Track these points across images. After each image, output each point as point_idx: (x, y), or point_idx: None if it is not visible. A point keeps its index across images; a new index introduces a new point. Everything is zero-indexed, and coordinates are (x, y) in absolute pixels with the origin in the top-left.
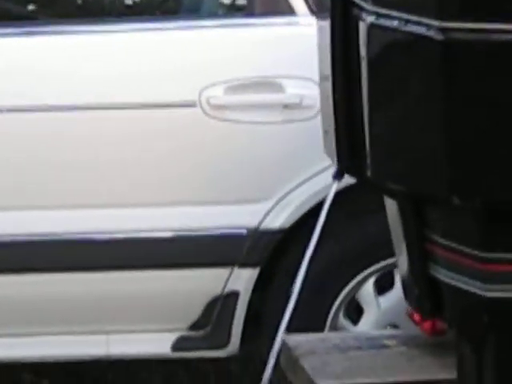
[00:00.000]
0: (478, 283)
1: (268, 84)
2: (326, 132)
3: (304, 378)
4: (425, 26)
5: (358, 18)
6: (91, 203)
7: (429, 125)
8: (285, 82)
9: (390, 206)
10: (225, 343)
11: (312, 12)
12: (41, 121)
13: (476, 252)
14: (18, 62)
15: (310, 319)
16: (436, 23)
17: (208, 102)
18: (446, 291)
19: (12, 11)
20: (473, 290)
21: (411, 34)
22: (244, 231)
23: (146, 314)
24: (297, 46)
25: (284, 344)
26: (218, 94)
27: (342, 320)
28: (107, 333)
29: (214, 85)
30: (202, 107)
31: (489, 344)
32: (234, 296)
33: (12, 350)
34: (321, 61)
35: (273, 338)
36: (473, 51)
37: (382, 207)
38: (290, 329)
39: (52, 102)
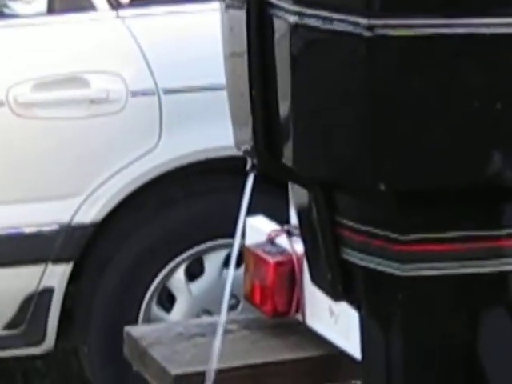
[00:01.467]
0: (394, 264)
1: (74, 80)
2: (237, 124)
3: (155, 368)
4: (352, 24)
5: (276, 18)
6: None
7: (355, 118)
8: (91, 77)
9: (300, 195)
10: (40, 340)
11: (112, 7)
12: None
13: (391, 234)
14: None
15: (123, 311)
16: (364, 21)
17: (15, 101)
18: (359, 273)
19: None
20: (388, 270)
21: (337, 32)
22: (56, 227)
23: None
24: (100, 41)
25: (128, 335)
26: (25, 92)
27: (155, 309)
28: None
29: (20, 83)
30: (9, 106)
31: (397, 321)
32: (48, 292)
33: None
34: (226, 43)
35: (83, 332)
36: (400, 46)
37: (189, 196)
38: (103, 324)
39: None
